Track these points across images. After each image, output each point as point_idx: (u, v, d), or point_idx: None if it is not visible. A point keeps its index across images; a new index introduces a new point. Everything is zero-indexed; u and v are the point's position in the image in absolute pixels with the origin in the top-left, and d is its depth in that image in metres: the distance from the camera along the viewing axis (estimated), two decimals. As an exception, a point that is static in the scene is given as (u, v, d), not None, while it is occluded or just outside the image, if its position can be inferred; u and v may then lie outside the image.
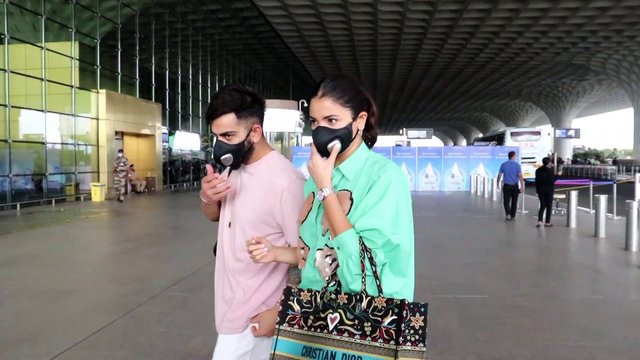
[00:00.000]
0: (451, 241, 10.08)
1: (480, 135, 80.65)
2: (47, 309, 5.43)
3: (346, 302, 1.62)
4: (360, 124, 1.81)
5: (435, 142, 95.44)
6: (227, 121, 1.98)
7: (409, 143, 34.77)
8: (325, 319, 1.64)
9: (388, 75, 53.15)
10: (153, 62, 24.73)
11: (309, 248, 1.80)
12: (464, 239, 10.47)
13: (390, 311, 1.57)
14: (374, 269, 1.61)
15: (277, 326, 1.69)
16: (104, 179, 19.46)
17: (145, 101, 23.27)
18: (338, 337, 1.61)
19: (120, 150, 18.84)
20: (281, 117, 24.93)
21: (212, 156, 2.14)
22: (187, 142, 29.86)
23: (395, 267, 1.67)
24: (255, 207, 2.05)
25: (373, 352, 1.56)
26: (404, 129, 38.02)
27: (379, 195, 1.66)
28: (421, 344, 1.55)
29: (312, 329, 1.65)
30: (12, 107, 15.61)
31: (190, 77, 29.33)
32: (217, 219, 2.27)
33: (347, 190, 1.75)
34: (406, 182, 1.76)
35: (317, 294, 1.68)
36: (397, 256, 1.65)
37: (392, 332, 1.56)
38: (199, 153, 31.78)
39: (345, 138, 1.75)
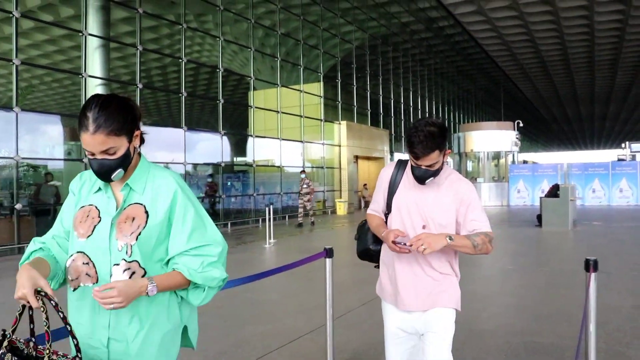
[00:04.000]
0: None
1: None
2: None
3: None
4: (136, 142, 1.83)
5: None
6: (434, 156, 2.45)
7: (633, 157, 33.47)
8: None
9: (608, 86, 50.82)
10: (380, 92, 28.20)
11: (93, 264, 1.77)
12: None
13: None
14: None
15: None
16: (346, 196, 23.12)
17: (376, 128, 26.77)
18: None
19: (303, 172, 18.17)
20: (498, 137, 26.60)
21: (415, 178, 2.57)
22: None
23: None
24: (447, 210, 2.56)
25: None
26: (627, 142, 36.66)
27: (191, 212, 1.82)
28: None
29: None
30: (282, 139, 19.87)
31: (411, 103, 32.42)
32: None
33: (139, 203, 1.81)
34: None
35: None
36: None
37: None
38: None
39: (127, 163, 1.79)
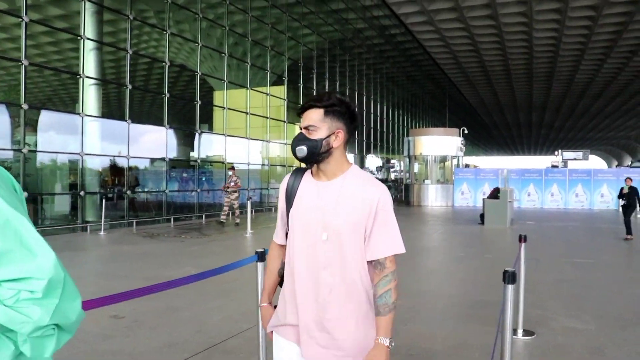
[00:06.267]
0: (576, 234, 13.62)
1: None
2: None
3: None
4: None
5: (595, 162, 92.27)
6: (315, 116, 2.03)
7: (565, 164, 36.44)
8: None
9: (544, 95, 54.27)
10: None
11: None
12: (588, 232, 13.91)
13: None
14: None
15: None
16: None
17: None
18: None
19: (231, 168, 16.47)
20: (444, 142, 28.86)
21: (292, 150, 2.09)
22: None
23: None
24: (353, 218, 2.00)
25: None
26: (559, 150, 39.88)
27: None
28: None
29: None
30: (250, 139, 21.35)
31: (364, 107, 34.42)
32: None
33: None
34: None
35: None
36: None
37: None
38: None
39: None
